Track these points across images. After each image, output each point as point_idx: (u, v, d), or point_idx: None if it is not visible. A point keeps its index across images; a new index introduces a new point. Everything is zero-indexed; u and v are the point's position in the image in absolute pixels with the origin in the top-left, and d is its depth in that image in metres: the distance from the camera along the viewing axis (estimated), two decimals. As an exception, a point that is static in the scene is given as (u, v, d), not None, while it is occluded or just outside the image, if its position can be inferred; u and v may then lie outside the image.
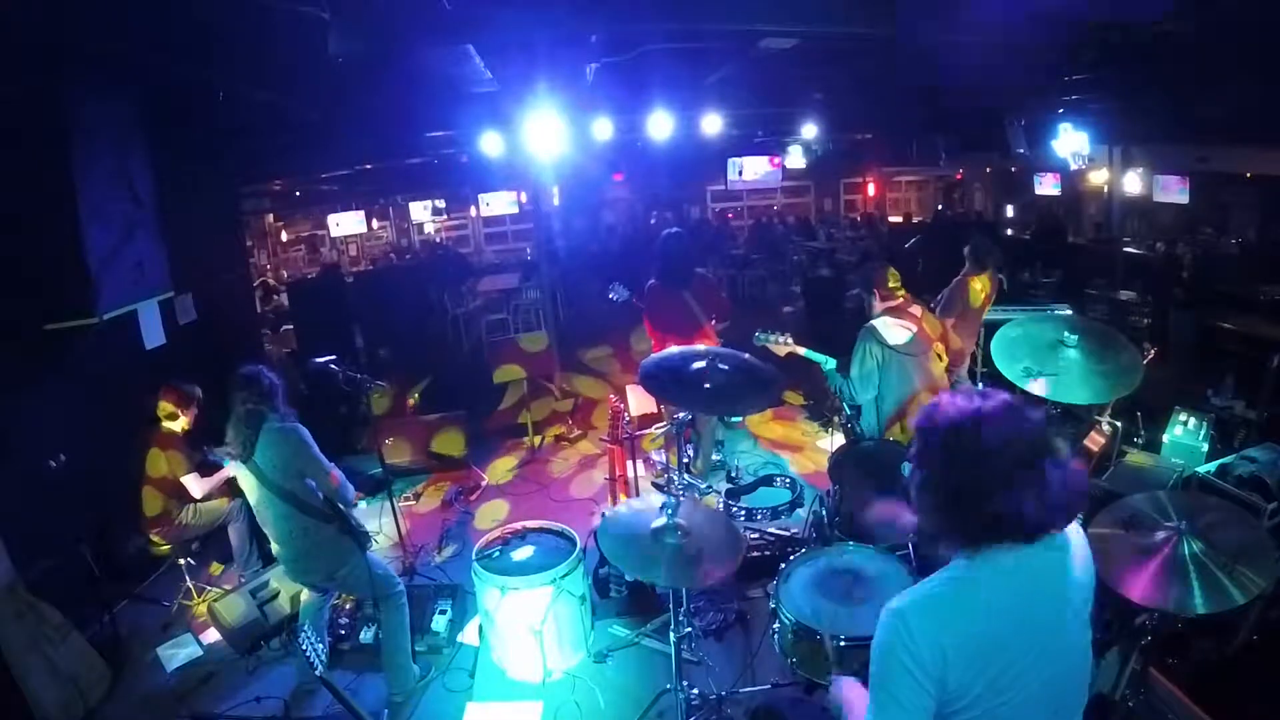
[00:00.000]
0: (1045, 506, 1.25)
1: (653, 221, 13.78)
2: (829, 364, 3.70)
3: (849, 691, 1.59)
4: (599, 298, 5.24)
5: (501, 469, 5.80)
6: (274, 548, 3.17)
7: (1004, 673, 1.27)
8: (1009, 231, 11.98)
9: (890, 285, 3.65)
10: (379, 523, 4.74)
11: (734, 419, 6.07)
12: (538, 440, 6.15)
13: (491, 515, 5.07)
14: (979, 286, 5.11)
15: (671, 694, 2.91)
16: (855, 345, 3.60)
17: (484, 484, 5.47)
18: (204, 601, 4.01)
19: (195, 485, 3.98)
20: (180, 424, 4.02)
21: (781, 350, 3.65)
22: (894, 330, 3.55)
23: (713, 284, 4.96)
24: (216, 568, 4.48)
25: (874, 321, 3.61)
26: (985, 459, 1.25)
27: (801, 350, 3.66)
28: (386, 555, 4.51)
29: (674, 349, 3.50)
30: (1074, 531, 1.40)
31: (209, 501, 4.11)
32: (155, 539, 4.03)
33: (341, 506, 3.12)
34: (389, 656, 3.29)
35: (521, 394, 6.24)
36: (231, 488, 4.14)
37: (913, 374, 3.54)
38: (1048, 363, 3.13)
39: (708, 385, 2.98)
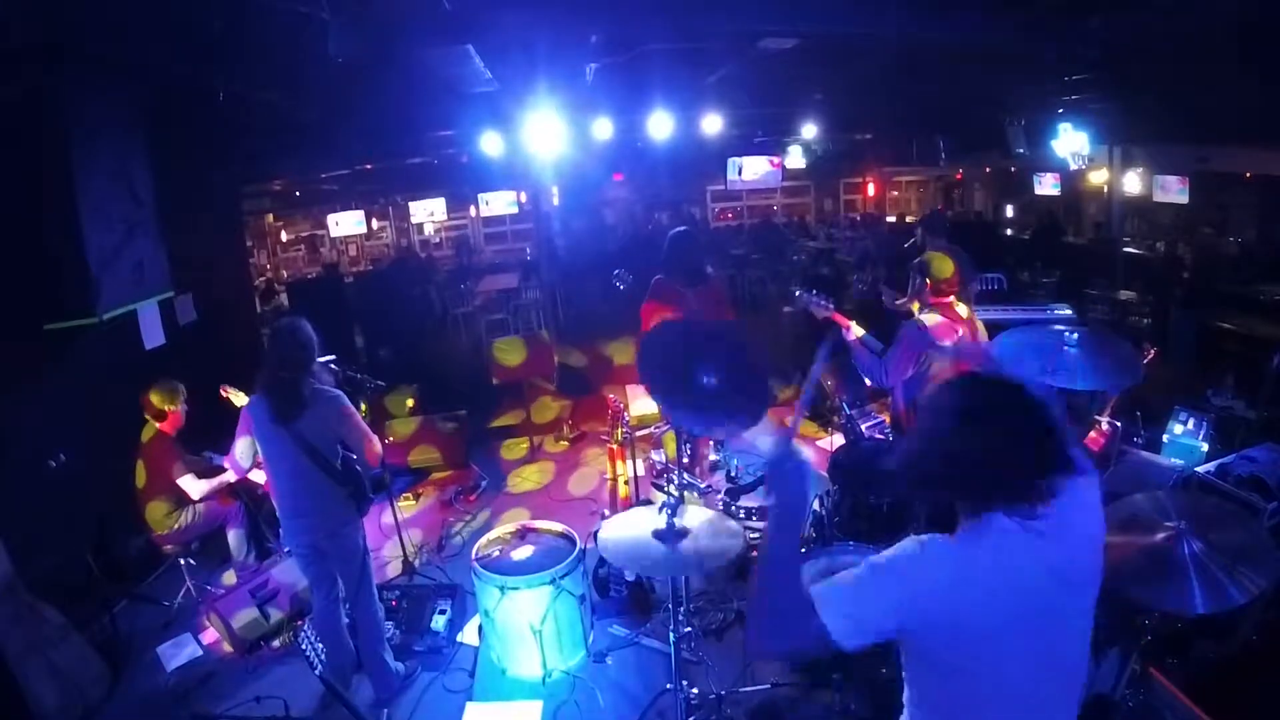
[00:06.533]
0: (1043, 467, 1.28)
1: (650, 226, 13.75)
2: (860, 335, 3.56)
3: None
4: (599, 297, 5.24)
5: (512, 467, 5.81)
6: (282, 506, 3.15)
7: (991, 648, 1.27)
8: (1009, 231, 11.97)
9: (947, 278, 3.42)
10: (379, 523, 4.74)
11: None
12: (538, 440, 6.15)
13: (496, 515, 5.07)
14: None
15: (671, 694, 2.91)
16: (899, 335, 3.42)
17: (484, 484, 5.47)
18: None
19: (193, 487, 3.97)
20: (170, 421, 3.97)
21: (820, 314, 3.64)
22: (944, 331, 3.37)
23: (719, 289, 4.92)
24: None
25: (924, 319, 3.41)
26: (987, 421, 1.30)
27: (841, 319, 3.59)
28: (387, 555, 4.52)
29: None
30: (1086, 520, 1.40)
31: (208, 502, 4.10)
32: (158, 543, 4.04)
33: (359, 470, 3.18)
34: (368, 653, 3.28)
35: (514, 396, 6.17)
36: (229, 489, 4.16)
37: (948, 373, 3.46)
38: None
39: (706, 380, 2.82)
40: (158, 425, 3.95)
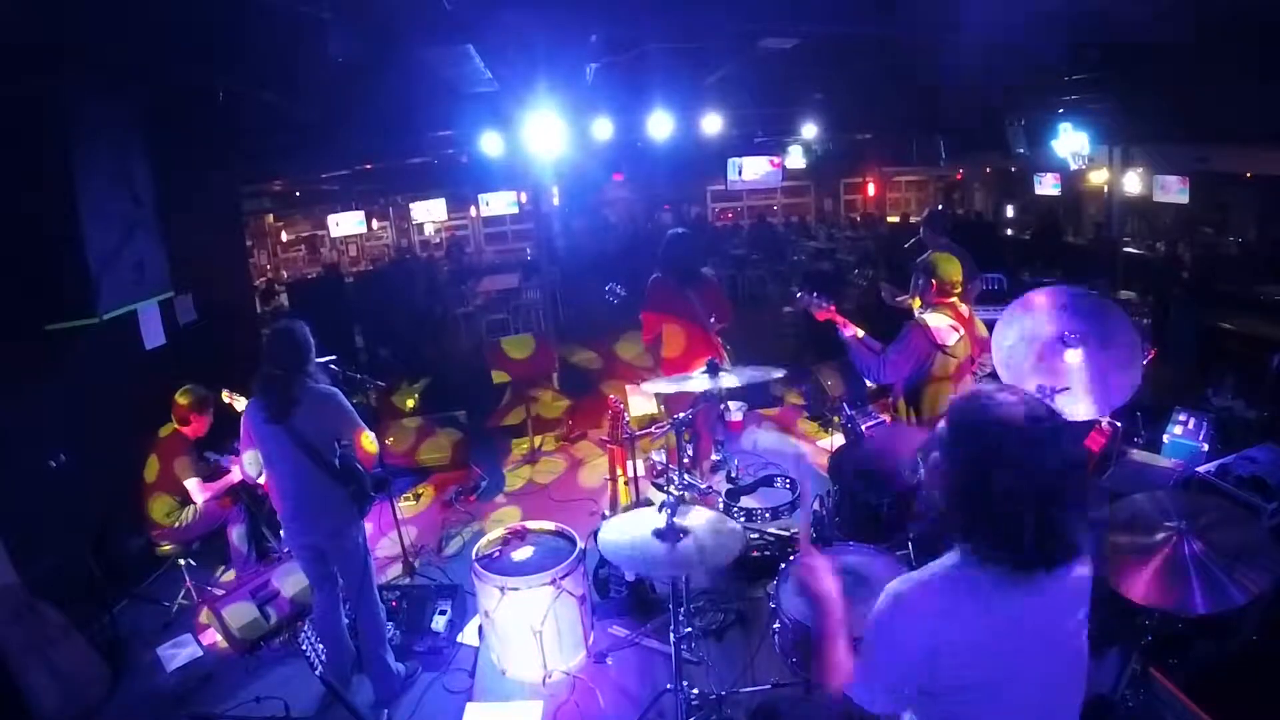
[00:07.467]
0: (1054, 539, 1.23)
1: (650, 225, 13.76)
2: (860, 335, 3.56)
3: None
4: (599, 298, 5.25)
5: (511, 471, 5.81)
6: (282, 507, 3.17)
7: (995, 669, 1.28)
8: (1009, 231, 11.98)
9: (953, 279, 3.41)
10: (379, 523, 4.73)
11: (733, 416, 6.07)
12: (538, 440, 6.15)
13: (495, 516, 5.07)
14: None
15: (671, 694, 2.91)
16: (902, 334, 3.43)
17: (484, 484, 5.47)
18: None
19: (198, 491, 3.99)
20: (192, 428, 4.03)
21: (820, 315, 3.64)
22: (946, 331, 3.37)
23: (716, 286, 4.94)
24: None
25: (927, 318, 3.41)
26: (1016, 472, 1.21)
27: (839, 319, 3.60)
28: (386, 555, 4.51)
29: None
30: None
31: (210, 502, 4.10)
32: (156, 540, 4.04)
33: (360, 468, 3.17)
34: (369, 653, 3.28)
35: (514, 395, 6.18)
36: (232, 491, 4.17)
37: (950, 373, 3.43)
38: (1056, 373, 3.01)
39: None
40: (178, 427, 4.00)
